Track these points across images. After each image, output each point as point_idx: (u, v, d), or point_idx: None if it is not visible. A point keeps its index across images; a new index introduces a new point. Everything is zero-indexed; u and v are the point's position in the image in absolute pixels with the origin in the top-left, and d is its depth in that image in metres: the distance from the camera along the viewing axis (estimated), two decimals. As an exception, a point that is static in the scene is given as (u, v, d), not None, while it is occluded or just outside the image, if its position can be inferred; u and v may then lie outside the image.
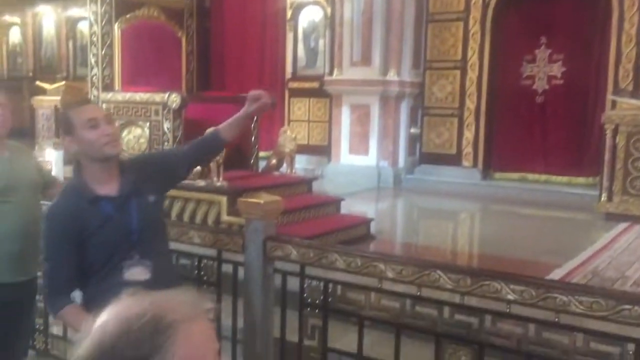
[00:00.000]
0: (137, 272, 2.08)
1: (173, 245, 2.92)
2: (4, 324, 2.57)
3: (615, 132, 5.80)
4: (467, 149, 7.88)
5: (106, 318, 0.94)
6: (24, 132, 8.58)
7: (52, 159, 5.40)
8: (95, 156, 2.06)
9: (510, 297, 2.06)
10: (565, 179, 7.37)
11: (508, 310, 2.11)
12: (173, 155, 2.47)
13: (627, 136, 5.73)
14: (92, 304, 2.01)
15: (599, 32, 7.13)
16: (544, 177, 7.52)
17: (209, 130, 2.51)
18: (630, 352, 1.92)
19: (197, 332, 0.94)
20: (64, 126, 2.10)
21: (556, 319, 2.03)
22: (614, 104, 6.22)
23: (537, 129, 7.60)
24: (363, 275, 2.36)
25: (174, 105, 4.57)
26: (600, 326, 1.99)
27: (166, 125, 4.66)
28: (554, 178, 7.44)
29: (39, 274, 3.06)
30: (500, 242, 5.18)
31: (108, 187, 2.09)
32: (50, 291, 2.12)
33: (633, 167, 5.72)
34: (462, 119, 7.89)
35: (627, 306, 1.87)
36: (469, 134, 7.86)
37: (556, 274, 3.90)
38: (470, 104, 7.81)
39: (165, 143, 4.68)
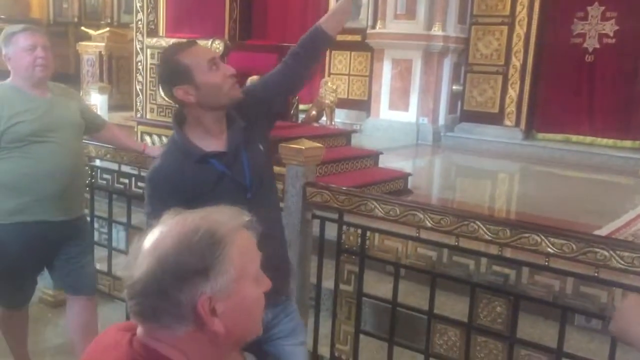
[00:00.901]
0: None
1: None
2: (56, 262, 2.67)
3: (666, 94, 5.60)
4: (510, 108, 7.72)
5: (159, 236, 0.99)
6: (69, 77, 8.75)
7: (97, 103, 5.50)
8: (220, 102, 1.80)
9: (550, 250, 2.05)
10: (610, 141, 7.18)
11: (547, 263, 2.11)
12: (270, 82, 2.03)
13: (679, 99, 5.53)
14: None
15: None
16: (588, 139, 7.34)
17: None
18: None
19: (244, 242, 1.03)
20: (173, 75, 1.79)
21: (596, 274, 2.01)
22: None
23: (585, 89, 7.38)
24: (401, 224, 2.38)
25: (217, 52, 4.58)
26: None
27: (209, 72, 4.68)
28: (599, 140, 7.26)
29: (86, 211, 3.19)
30: (539, 202, 5.12)
31: (216, 142, 1.84)
32: None
33: (683, 131, 5.54)
34: (506, 77, 7.71)
35: (669, 263, 1.85)
36: (513, 93, 7.69)
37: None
38: (517, 62, 7.61)
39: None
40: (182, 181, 1.80)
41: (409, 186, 5.21)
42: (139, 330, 1.01)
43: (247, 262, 1.02)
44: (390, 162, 5.85)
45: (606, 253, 1.94)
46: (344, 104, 8.45)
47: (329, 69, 8.95)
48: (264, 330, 1.83)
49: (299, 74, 2.04)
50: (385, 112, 8.10)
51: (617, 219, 4.47)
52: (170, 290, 0.95)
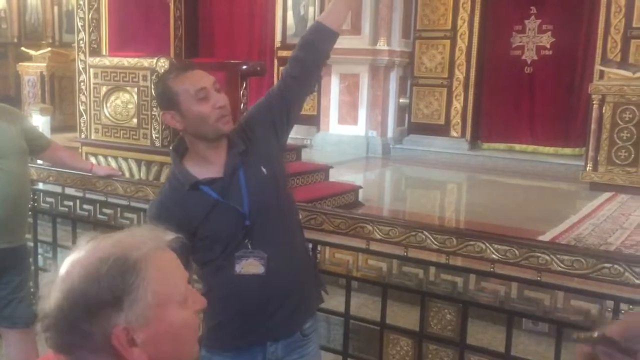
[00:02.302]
0: (249, 265, 1.75)
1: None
2: None
3: (601, 102, 5.85)
4: (456, 119, 7.91)
5: (69, 268, 0.94)
6: (10, 99, 8.49)
7: (39, 125, 5.35)
8: (207, 134, 1.70)
9: (495, 256, 2.11)
10: (552, 149, 7.45)
11: (492, 270, 2.16)
12: (274, 97, 1.86)
13: (613, 106, 5.78)
14: (210, 298, 1.69)
15: (588, 3, 7.13)
16: (531, 147, 7.59)
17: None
18: (609, 309, 1.98)
19: (163, 263, 0.97)
20: (162, 99, 1.73)
21: (538, 278, 2.08)
22: (601, 74, 6.26)
23: (525, 99, 7.65)
24: (351, 237, 2.40)
25: (162, 70, 4.54)
26: (581, 284, 2.05)
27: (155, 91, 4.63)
28: (540, 149, 7.52)
29: (28, 236, 3.09)
30: (486, 210, 5.25)
31: (214, 169, 1.74)
32: None
33: (618, 138, 5.79)
34: (451, 89, 7.91)
35: (606, 264, 1.92)
36: (457, 105, 7.89)
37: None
38: (460, 74, 7.82)
39: (154, 108, 4.66)
40: (179, 210, 1.73)
41: (360, 199, 5.26)
42: None
43: (167, 285, 0.96)
44: (341, 175, 5.90)
45: (547, 257, 2.01)
46: (293, 119, 8.47)
47: (278, 84, 8.97)
48: None
49: (306, 80, 1.88)
50: (334, 127, 8.18)
51: (560, 223, 4.62)
52: (80, 324, 0.91)
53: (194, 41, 7.52)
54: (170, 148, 1.83)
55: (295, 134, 8.41)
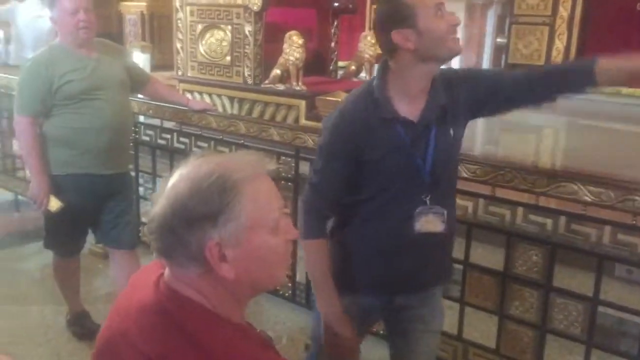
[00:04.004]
0: (431, 222, 1.68)
1: (250, 142, 3.06)
2: (102, 216, 2.80)
3: None
4: (557, 60, 7.47)
5: (177, 179, 1.01)
6: (112, 37, 8.86)
7: (139, 62, 5.59)
8: (439, 54, 1.60)
9: (587, 198, 2.03)
10: (662, 93, 6.91)
11: (584, 212, 2.09)
12: (499, 77, 1.79)
13: None
14: (357, 253, 1.76)
15: None
16: (638, 91, 7.07)
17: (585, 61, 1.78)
18: None
19: (261, 189, 1.02)
20: (395, 16, 1.59)
21: (634, 222, 1.99)
22: None
23: (636, 39, 7.08)
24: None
25: (255, 8, 4.58)
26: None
27: (247, 28, 4.70)
28: (651, 93, 6.99)
29: (131, 166, 3.30)
30: (583, 156, 4.99)
31: (409, 108, 1.64)
32: (309, 211, 1.74)
33: None
34: (553, 28, 7.43)
35: None
36: (560, 44, 7.43)
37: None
38: (564, 12, 7.32)
39: (247, 46, 4.74)
40: (363, 132, 1.64)
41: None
42: (165, 270, 1.05)
43: (261, 210, 1.01)
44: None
45: (645, 200, 1.92)
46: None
47: (370, 22, 8.82)
48: (400, 308, 1.83)
49: (533, 95, 1.75)
50: (427, 67, 7.98)
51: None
52: (179, 232, 0.97)
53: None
54: (378, 67, 1.73)
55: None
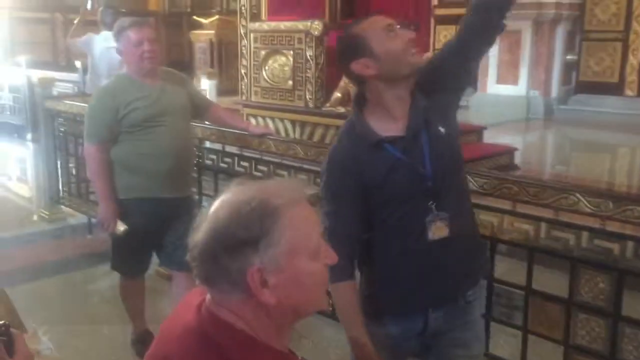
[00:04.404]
0: (440, 229, 1.68)
1: (309, 165, 3.08)
2: (166, 237, 2.88)
3: None
4: (632, 77, 7.18)
5: (219, 204, 1.03)
6: (184, 64, 9.22)
7: (206, 88, 5.77)
8: (402, 72, 1.63)
9: (657, 222, 1.92)
10: None
11: (653, 237, 1.98)
12: (451, 49, 1.74)
13: None
14: (383, 278, 1.75)
15: None
16: None
17: None
18: None
19: (301, 215, 1.03)
20: (350, 49, 1.65)
21: None
22: None
23: None
24: (496, 197, 2.32)
25: (315, 32, 4.65)
26: None
27: (309, 53, 4.77)
28: None
29: (194, 190, 3.39)
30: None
31: (396, 126, 1.67)
32: (341, 256, 1.68)
33: None
34: (626, 44, 7.16)
35: None
36: (634, 60, 7.14)
37: None
38: (638, 27, 7.04)
39: (308, 70, 4.81)
40: (357, 165, 1.67)
41: (518, 162, 5.03)
42: (208, 295, 1.06)
43: (302, 236, 1.02)
44: (498, 137, 5.66)
45: None
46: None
47: (434, 44, 8.76)
48: (434, 332, 1.78)
49: (483, 28, 1.71)
50: (492, 86, 7.83)
51: None
52: (220, 258, 0.98)
53: (350, 3, 7.55)
54: (352, 100, 1.78)
55: (451, 95, 8.19)
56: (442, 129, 1.69)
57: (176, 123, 2.77)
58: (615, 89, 7.23)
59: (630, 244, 2.06)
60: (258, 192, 1.02)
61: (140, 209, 2.77)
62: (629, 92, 7.19)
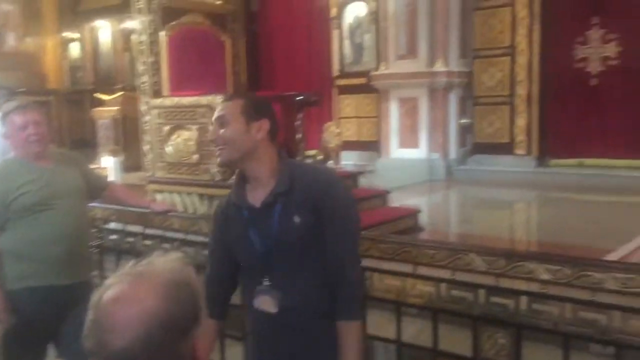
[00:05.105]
0: (264, 302, 1.82)
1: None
2: (64, 328, 2.71)
3: (674, 110, 5.55)
4: (520, 137, 7.70)
5: (133, 297, 0.96)
6: (87, 142, 9.00)
7: (109, 165, 5.65)
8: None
9: (545, 277, 2.04)
10: (625, 162, 7.08)
11: (544, 291, 2.09)
12: (331, 250, 1.85)
13: (687, 114, 5.47)
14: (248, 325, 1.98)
15: (655, 7, 6.83)
16: (602, 161, 7.25)
17: None
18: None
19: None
20: (264, 107, 1.87)
21: (592, 298, 1.99)
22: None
23: (593, 112, 7.35)
24: (397, 262, 2.39)
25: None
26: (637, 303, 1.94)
27: (212, 127, 4.78)
28: (613, 162, 7.17)
29: (95, 273, 3.25)
30: (555, 229, 5.06)
31: (262, 192, 1.82)
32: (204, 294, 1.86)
33: (695, 146, 5.46)
34: (513, 107, 7.72)
35: (664, 281, 1.82)
36: (521, 122, 7.68)
37: (610, 258, 3.78)
38: (521, 91, 7.63)
39: (213, 144, 4.80)
40: (224, 221, 1.90)
41: (423, 223, 5.18)
42: None
43: None
44: (403, 200, 5.84)
45: (599, 275, 1.92)
46: (355, 146, 8.51)
47: (337, 113, 9.07)
48: None
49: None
50: (396, 151, 8.15)
51: (633, 239, 4.38)
52: (172, 347, 0.93)
53: (256, 77, 7.74)
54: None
55: (358, 160, 8.45)
56: (297, 219, 1.78)
57: (69, 205, 2.67)
58: (507, 148, 7.72)
59: (524, 299, 2.16)
60: (171, 274, 0.99)
61: (34, 298, 2.61)
62: (519, 151, 7.70)
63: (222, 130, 1.82)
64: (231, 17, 5.96)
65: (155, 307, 0.92)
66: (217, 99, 4.71)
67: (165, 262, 1.04)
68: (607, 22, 7.18)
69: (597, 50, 7.25)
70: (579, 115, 7.43)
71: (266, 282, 1.81)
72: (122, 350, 0.91)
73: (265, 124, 1.84)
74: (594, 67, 7.28)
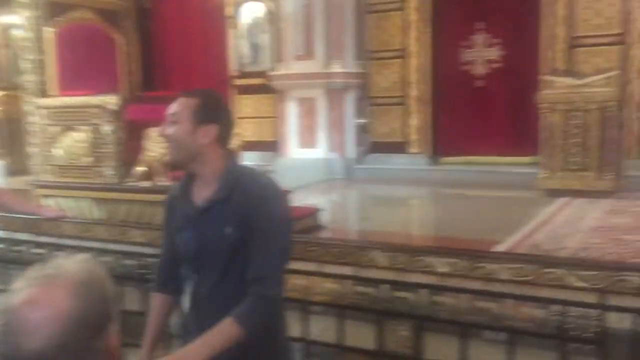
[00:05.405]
0: (185, 299, 1.91)
1: (114, 245, 2.92)
2: None
3: (551, 110, 5.99)
4: (414, 136, 8.01)
5: (43, 299, 0.93)
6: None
7: (-9, 169, 5.27)
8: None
9: (443, 269, 2.14)
10: (508, 159, 7.58)
11: (442, 283, 2.19)
12: (253, 254, 1.84)
13: (562, 114, 5.93)
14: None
15: (533, 15, 7.34)
16: (488, 158, 7.71)
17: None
18: (556, 313, 2.01)
19: None
20: (216, 112, 1.88)
21: (486, 288, 2.11)
22: (550, 83, 6.42)
23: (479, 112, 7.79)
24: (303, 261, 2.41)
25: (112, 107, 4.51)
26: (527, 291, 2.08)
27: (106, 127, 4.60)
28: (497, 159, 7.64)
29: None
30: (448, 224, 5.30)
31: (206, 192, 1.86)
32: (157, 271, 2.09)
33: (570, 144, 5.93)
34: (407, 107, 8.02)
35: (549, 269, 1.97)
36: (414, 121, 8.00)
37: (499, 249, 4.02)
38: (414, 92, 7.94)
39: (106, 146, 4.62)
40: (172, 208, 1.96)
41: (324, 221, 5.25)
42: None
43: None
44: (304, 199, 5.89)
45: (493, 266, 2.04)
46: (255, 146, 8.46)
47: (237, 112, 8.99)
48: None
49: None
50: (295, 151, 8.20)
51: (519, 231, 4.68)
52: (88, 345, 0.93)
53: (149, 76, 7.49)
54: None
55: (259, 161, 8.42)
56: (229, 229, 1.79)
57: None
58: (402, 147, 8.00)
59: (424, 292, 2.25)
60: (82, 272, 0.98)
61: None
62: (413, 150, 8.01)
63: (171, 129, 1.83)
64: (123, 14, 5.73)
65: (68, 307, 0.92)
66: (110, 99, 4.53)
67: (74, 263, 1.02)
68: (490, 27, 7.64)
69: (482, 54, 7.69)
70: (466, 115, 7.85)
71: (194, 281, 1.87)
72: (38, 352, 0.89)
73: (213, 129, 1.84)
74: (479, 69, 7.71)
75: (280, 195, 1.91)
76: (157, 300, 1.98)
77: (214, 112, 1.87)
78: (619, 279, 1.85)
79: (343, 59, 7.97)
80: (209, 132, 1.83)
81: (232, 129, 1.97)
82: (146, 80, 6.26)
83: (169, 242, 1.99)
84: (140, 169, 4.53)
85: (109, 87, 4.92)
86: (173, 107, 1.86)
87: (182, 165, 1.89)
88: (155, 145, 4.43)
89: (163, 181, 4.50)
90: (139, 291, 2.76)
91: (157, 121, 4.74)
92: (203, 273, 1.85)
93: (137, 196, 4.55)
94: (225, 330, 1.73)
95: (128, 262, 2.85)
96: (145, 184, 4.54)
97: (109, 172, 4.64)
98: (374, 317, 2.37)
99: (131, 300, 2.43)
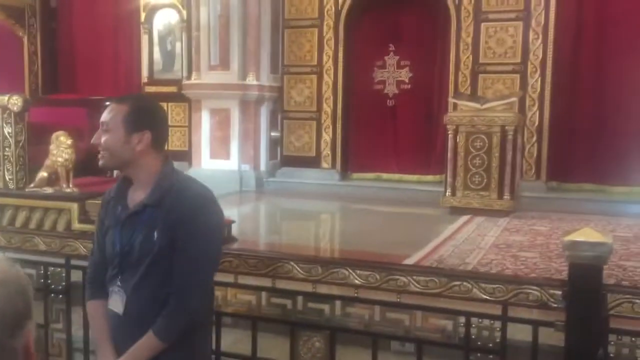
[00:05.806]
0: (114, 302, 1.88)
1: (13, 253, 2.76)
2: None
3: (455, 132, 6.31)
4: (326, 151, 8.15)
5: None
6: None
7: None
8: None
9: (357, 281, 2.19)
10: (415, 177, 7.88)
11: (356, 295, 2.25)
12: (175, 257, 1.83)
13: (466, 136, 6.26)
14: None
15: (440, 40, 7.72)
16: (396, 176, 7.99)
17: None
18: (462, 324, 2.12)
19: None
20: (148, 117, 1.86)
21: (398, 299, 2.19)
22: (455, 106, 6.76)
23: (389, 131, 8.07)
24: (219, 272, 2.39)
25: (15, 108, 4.29)
26: (436, 303, 2.18)
27: (7, 130, 4.35)
28: (405, 177, 7.93)
29: None
30: (357, 238, 5.42)
31: (140, 195, 1.85)
32: (87, 276, 2.04)
33: (472, 164, 6.26)
34: (320, 122, 8.16)
35: (456, 282, 2.07)
36: (327, 137, 8.14)
37: (407, 263, 4.16)
38: (327, 108, 8.10)
39: (7, 148, 4.37)
40: (105, 210, 1.95)
41: (235, 233, 5.22)
42: None
43: None
44: (214, 211, 5.82)
45: (404, 279, 2.12)
46: (164, 155, 8.30)
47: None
48: None
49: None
50: (207, 162, 8.10)
51: (424, 247, 4.88)
52: (5, 344, 0.92)
53: (54, 77, 7.18)
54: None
55: (167, 171, 8.23)
56: (156, 235, 1.78)
57: None
58: (314, 162, 8.12)
59: (338, 303, 2.30)
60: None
61: None
62: (324, 165, 8.14)
63: (104, 138, 1.82)
64: (29, 12, 5.47)
65: None
66: (12, 100, 4.31)
67: None
68: (400, 50, 7.94)
69: (393, 75, 7.98)
70: (376, 132, 8.09)
71: (118, 283, 1.85)
72: None
73: (146, 136, 1.81)
74: (390, 89, 7.99)
75: (212, 204, 1.88)
76: (94, 309, 1.95)
77: (147, 118, 1.85)
78: (520, 291, 1.98)
79: (258, 72, 7.99)
80: (143, 138, 1.81)
81: (166, 132, 1.98)
82: (52, 82, 6.01)
83: (100, 246, 1.96)
84: (43, 174, 4.33)
85: (12, 88, 4.66)
86: (105, 115, 1.83)
87: (117, 170, 1.93)
88: (61, 150, 4.25)
89: (68, 187, 4.32)
90: (42, 302, 2.63)
91: (62, 125, 4.58)
92: (125, 276, 1.84)
93: (39, 202, 4.35)
94: (146, 344, 1.79)
95: (30, 271, 2.70)
96: (49, 190, 4.34)
97: (8, 176, 4.40)
98: (288, 329, 2.39)
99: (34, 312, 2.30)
